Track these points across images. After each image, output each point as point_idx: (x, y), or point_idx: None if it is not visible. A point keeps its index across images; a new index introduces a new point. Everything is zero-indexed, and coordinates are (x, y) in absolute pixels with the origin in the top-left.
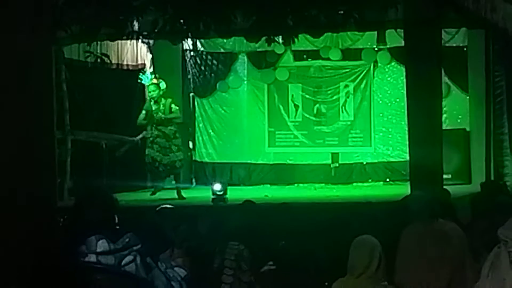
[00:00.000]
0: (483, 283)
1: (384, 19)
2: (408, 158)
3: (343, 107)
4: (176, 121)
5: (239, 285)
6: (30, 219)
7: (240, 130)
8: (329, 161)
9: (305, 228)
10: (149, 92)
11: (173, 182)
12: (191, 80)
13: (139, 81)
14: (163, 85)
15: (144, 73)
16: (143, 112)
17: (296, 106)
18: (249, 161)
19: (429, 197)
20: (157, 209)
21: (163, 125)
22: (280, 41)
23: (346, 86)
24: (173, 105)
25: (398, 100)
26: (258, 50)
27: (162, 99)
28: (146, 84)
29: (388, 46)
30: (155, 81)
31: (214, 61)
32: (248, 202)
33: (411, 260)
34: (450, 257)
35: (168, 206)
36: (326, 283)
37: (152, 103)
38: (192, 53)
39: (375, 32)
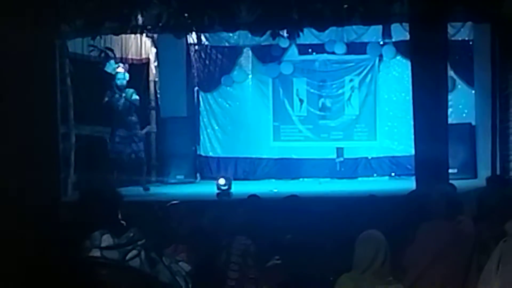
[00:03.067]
0: (490, 278)
1: (390, 12)
2: (413, 152)
3: (348, 101)
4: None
5: (245, 280)
6: (34, 214)
7: (245, 125)
8: (334, 156)
9: (310, 223)
10: (117, 79)
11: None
12: (195, 74)
13: (104, 68)
14: (127, 75)
15: (108, 60)
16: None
17: (301, 100)
18: (253, 156)
19: (450, 194)
20: (168, 204)
21: (125, 114)
22: (285, 35)
23: (351, 80)
24: (134, 94)
25: (403, 94)
26: (262, 44)
27: (126, 89)
28: (110, 71)
29: (393, 40)
30: (121, 69)
31: (219, 55)
32: (253, 196)
33: (426, 257)
34: (464, 255)
35: (175, 201)
36: (331, 278)
37: (116, 90)
38: (196, 47)
39: (380, 26)
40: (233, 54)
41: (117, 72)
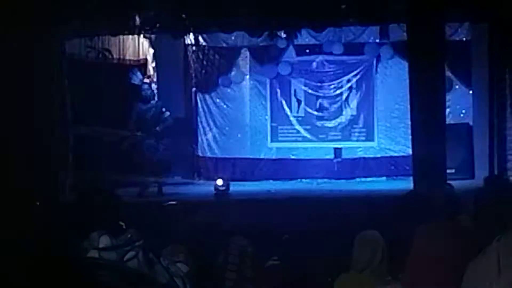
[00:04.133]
0: (492, 279)
1: (387, 13)
2: (411, 153)
3: (346, 102)
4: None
5: (242, 281)
6: (31, 214)
7: (243, 125)
8: (332, 156)
9: (308, 223)
10: (142, 90)
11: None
12: (193, 75)
13: (129, 80)
14: (154, 86)
15: (134, 72)
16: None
17: (299, 101)
18: (251, 156)
19: (451, 194)
20: (164, 205)
21: (155, 125)
22: (283, 35)
23: (349, 80)
24: (166, 113)
25: (401, 94)
26: (260, 44)
27: (152, 100)
28: (137, 83)
29: (391, 41)
30: (147, 80)
31: (217, 56)
32: (251, 199)
33: (426, 259)
34: (462, 256)
35: (172, 202)
36: (330, 278)
37: (143, 102)
38: (194, 48)
39: (378, 26)
40: (231, 54)
41: (143, 83)
